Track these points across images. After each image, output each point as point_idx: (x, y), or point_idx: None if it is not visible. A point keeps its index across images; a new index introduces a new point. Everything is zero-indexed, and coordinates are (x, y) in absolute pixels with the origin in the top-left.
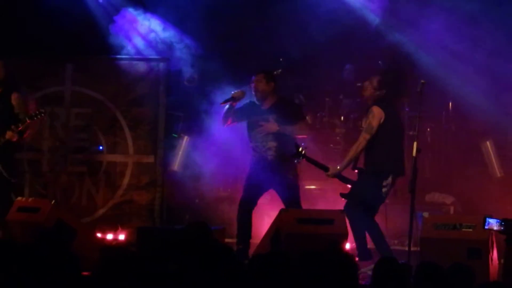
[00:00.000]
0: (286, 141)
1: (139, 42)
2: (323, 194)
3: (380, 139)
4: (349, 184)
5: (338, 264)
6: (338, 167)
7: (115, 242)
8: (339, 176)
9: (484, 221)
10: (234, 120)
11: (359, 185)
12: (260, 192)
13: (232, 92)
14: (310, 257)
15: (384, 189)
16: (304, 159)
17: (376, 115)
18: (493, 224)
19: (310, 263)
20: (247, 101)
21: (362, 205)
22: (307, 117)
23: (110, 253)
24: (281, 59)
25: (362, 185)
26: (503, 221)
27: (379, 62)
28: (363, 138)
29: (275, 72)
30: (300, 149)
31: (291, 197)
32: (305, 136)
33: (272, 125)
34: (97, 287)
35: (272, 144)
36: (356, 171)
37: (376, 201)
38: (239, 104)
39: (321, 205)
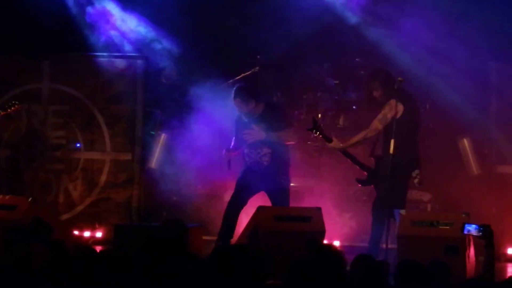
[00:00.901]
0: (280, 149)
1: (117, 39)
2: (301, 192)
3: (399, 134)
4: (351, 159)
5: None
6: (341, 144)
7: (92, 240)
8: (345, 153)
9: (463, 227)
10: (237, 148)
11: (387, 190)
12: (250, 194)
13: (223, 154)
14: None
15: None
16: (318, 133)
17: (393, 107)
18: (472, 230)
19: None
20: (235, 116)
21: (388, 208)
22: (292, 126)
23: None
24: (258, 56)
25: (391, 190)
26: (481, 227)
27: (357, 59)
28: (375, 126)
29: (252, 69)
30: (317, 124)
31: (282, 202)
32: (292, 143)
33: (259, 133)
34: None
35: (267, 150)
36: (372, 158)
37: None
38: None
39: (298, 203)
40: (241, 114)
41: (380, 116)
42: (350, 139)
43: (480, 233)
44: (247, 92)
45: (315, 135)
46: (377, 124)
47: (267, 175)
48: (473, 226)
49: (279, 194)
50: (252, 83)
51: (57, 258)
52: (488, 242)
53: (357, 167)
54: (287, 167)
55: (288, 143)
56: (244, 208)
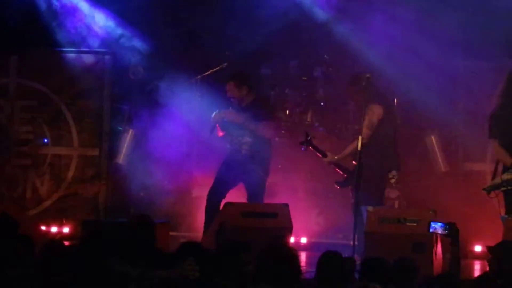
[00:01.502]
0: (261, 140)
1: (84, 35)
2: (269, 188)
3: (376, 134)
4: (345, 173)
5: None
6: (336, 157)
7: (59, 236)
8: (337, 164)
9: (429, 225)
10: (224, 129)
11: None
12: (229, 186)
13: (212, 117)
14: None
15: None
16: (309, 147)
17: (375, 112)
18: (438, 228)
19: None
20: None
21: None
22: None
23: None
24: (226, 53)
25: (369, 186)
26: (447, 225)
27: (325, 56)
28: (366, 135)
29: (221, 66)
30: (309, 137)
31: (256, 195)
32: (268, 136)
33: (237, 115)
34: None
35: (247, 139)
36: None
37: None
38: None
39: (265, 199)
40: (230, 104)
41: (366, 122)
42: (344, 151)
43: (446, 231)
44: (243, 77)
45: (307, 148)
46: (366, 131)
47: (246, 166)
48: (439, 224)
49: (256, 187)
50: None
51: (25, 253)
52: (454, 240)
53: (327, 164)
54: (267, 161)
55: (264, 135)
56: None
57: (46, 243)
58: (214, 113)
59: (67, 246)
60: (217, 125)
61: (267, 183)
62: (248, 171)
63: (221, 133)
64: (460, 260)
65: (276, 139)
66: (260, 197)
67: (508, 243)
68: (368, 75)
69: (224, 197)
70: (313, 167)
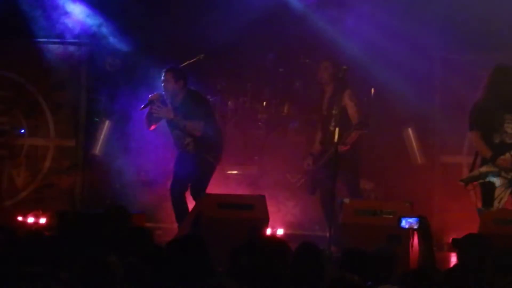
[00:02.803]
0: (202, 133)
1: (61, 25)
2: (245, 179)
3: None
4: None
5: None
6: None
7: (36, 227)
8: None
9: (399, 220)
10: (156, 122)
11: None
12: (187, 179)
13: (149, 96)
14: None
15: None
16: None
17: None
18: (408, 223)
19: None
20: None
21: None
22: (203, 119)
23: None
24: (204, 44)
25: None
26: (420, 218)
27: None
28: (357, 119)
29: (197, 57)
30: None
31: (201, 178)
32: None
33: (167, 111)
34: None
35: (189, 139)
36: None
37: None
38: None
39: (242, 190)
40: (164, 95)
41: (355, 108)
42: (347, 138)
43: (417, 225)
44: (180, 71)
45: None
46: (360, 116)
47: (195, 160)
48: (410, 218)
49: (202, 171)
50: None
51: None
52: (425, 234)
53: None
54: (216, 149)
55: (193, 134)
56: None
57: (25, 233)
58: (150, 97)
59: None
60: (150, 107)
61: (242, 176)
62: (199, 162)
63: (153, 127)
64: (433, 253)
65: (253, 130)
66: (205, 180)
67: (472, 236)
68: (345, 67)
69: (186, 189)
70: (289, 159)
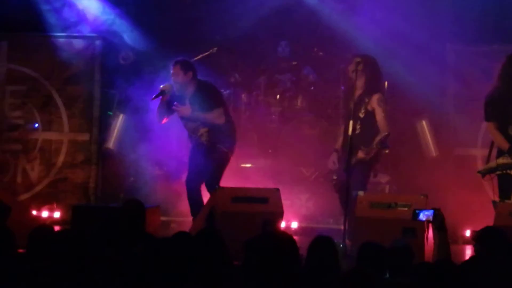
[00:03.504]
0: (216, 123)
1: (75, 19)
2: (259, 173)
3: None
4: None
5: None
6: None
7: (50, 221)
8: None
9: (413, 214)
10: (168, 115)
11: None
12: (203, 171)
13: (161, 86)
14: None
15: None
16: None
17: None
18: (423, 215)
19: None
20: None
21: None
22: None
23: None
24: (217, 37)
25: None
26: (435, 211)
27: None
28: (385, 126)
29: (210, 50)
30: None
31: (215, 168)
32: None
33: (185, 109)
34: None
35: (203, 130)
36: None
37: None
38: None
39: (256, 184)
40: (174, 86)
41: (383, 114)
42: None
43: (431, 218)
44: (187, 63)
45: None
46: (386, 123)
47: (211, 151)
48: (428, 211)
49: (217, 162)
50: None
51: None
52: (440, 226)
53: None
54: (229, 137)
55: (215, 123)
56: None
57: (35, 228)
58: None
59: (55, 231)
60: (161, 97)
61: (257, 169)
62: (213, 153)
63: (164, 120)
64: (448, 246)
65: (267, 124)
66: (220, 170)
67: (491, 229)
68: (358, 60)
69: (202, 182)
70: (303, 152)
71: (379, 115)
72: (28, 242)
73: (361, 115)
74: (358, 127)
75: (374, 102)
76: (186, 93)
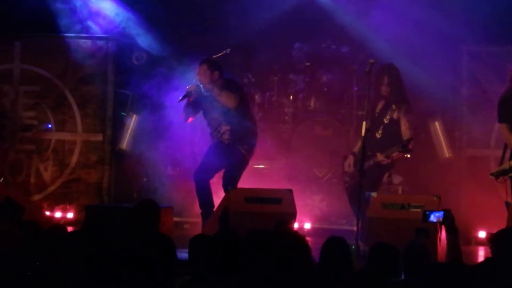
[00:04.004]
0: (239, 122)
1: (88, 20)
2: (272, 174)
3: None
4: None
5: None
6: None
7: (63, 221)
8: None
9: (424, 215)
10: (194, 114)
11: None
12: (215, 167)
13: (187, 87)
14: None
15: None
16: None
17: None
18: (440, 216)
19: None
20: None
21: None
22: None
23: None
24: (229, 41)
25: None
26: (445, 212)
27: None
28: (408, 135)
29: (224, 51)
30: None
31: (233, 170)
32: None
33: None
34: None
35: (226, 127)
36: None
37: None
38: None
39: (269, 184)
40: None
41: (408, 124)
42: (391, 154)
43: (441, 219)
44: (214, 62)
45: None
46: (410, 131)
47: (230, 150)
48: (438, 212)
49: (235, 163)
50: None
51: (33, 238)
52: (450, 228)
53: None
54: (249, 141)
55: (226, 103)
56: (214, 188)
57: (49, 228)
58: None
59: (69, 231)
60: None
61: (270, 170)
62: (231, 153)
63: (190, 119)
64: (459, 247)
65: (280, 124)
66: (238, 172)
67: (508, 231)
68: (372, 61)
69: (211, 177)
70: (316, 153)
71: (404, 125)
72: (44, 240)
73: (386, 121)
74: (380, 132)
75: (402, 111)
76: (213, 92)
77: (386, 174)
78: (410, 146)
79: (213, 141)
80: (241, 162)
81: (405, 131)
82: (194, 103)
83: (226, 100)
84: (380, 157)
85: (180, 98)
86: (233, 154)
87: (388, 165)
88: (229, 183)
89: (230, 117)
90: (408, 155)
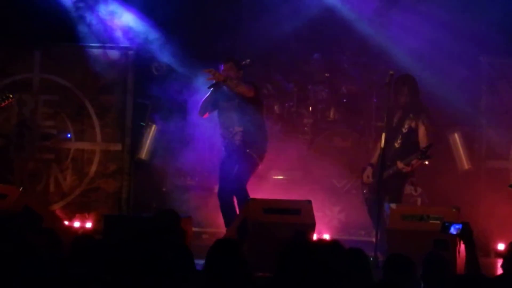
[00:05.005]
0: (252, 125)
1: (108, 30)
2: (291, 184)
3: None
4: None
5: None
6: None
7: (83, 230)
8: None
9: (442, 227)
10: (211, 110)
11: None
12: (233, 178)
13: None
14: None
15: None
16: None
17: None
18: (451, 229)
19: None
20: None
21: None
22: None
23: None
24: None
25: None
26: (463, 225)
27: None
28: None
29: (244, 62)
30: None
31: (241, 173)
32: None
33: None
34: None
35: (238, 129)
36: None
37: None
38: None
39: (288, 195)
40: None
41: (426, 132)
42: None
43: (459, 232)
44: (239, 62)
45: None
46: (427, 139)
47: (240, 154)
48: (457, 225)
49: (244, 166)
50: None
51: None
52: (468, 241)
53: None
54: (261, 146)
55: (243, 93)
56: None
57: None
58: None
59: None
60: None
61: (288, 181)
62: (242, 157)
63: (206, 115)
64: (477, 260)
65: (299, 135)
66: (246, 175)
67: None
68: (391, 72)
69: (233, 193)
70: (335, 164)
71: (422, 133)
72: (71, 249)
73: (404, 130)
74: (399, 141)
75: (420, 120)
76: (232, 85)
77: (409, 185)
78: (429, 153)
79: (224, 143)
80: (251, 166)
81: (422, 138)
82: (214, 99)
83: (245, 90)
84: (400, 165)
85: (209, 85)
86: (243, 158)
87: (408, 174)
88: (237, 186)
89: (245, 119)
90: (426, 162)
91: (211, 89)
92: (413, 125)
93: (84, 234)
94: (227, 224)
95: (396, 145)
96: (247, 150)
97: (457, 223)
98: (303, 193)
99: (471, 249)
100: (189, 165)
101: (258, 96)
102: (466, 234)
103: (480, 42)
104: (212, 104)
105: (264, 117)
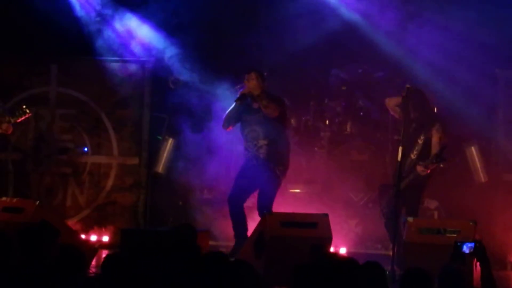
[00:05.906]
0: (276, 138)
1: (125, 43)
2: (307, 198)
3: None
4: None
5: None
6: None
7: (99, 244)
8: None
9: (459, 247)
10: (234, 123)
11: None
12: (249, 189)
13: (241, 90)
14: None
15: None
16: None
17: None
18: (472, 246)
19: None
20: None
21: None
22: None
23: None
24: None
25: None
26: (475, 243)
27: (365, 66)
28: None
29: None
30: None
31: (267, 193)
32: (273, 115)
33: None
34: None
35: (263, 142)
36: None
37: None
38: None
39: (305, 209)
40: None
41: (438, 140)
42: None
43: (472, 250)
44: (263, 74)
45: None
46: (439, 145)
47: (263, 169)
48: (469, 244)
49: (269, 186)
50: None
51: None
52: (482, 258)
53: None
54: (284, 162)
55: (270, 113)
56: (249, 213)
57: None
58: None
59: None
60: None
61: (305, 194)
62: (265, 174)
63: (230, 128)
64: (492, 277)
65: (316, 149)
66: (273, 194)
67: None
68: (408, 86)
69: (244, 201)
70: (352, 177)
71: (435, 140)
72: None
73: (420, 141)
74: (415, 152)
75: (433, 130)
76: (255, 103)
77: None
78: (444, 155)
79: (247, 156)
80: (277, 183)
81: (435, 144)
82: (238, 112)
83: (272, 111)
84: (419, 168)
85: (237, 98)
86: (268, 175)
87: (424, 185)
88: (265, 205)
89: (270, 133)
90: (442, 165)
91: (236, 102)
92: (428, 135)
93: (114, 253)
94: (234, 229)
95: (412, 156)
96: (272, 165)
97: (469, 241)
98: (320, 207)
99: (485, 265)
100: (206, 179)
101: (284, 112)
102: (479, 252)
103: (496, 55)
104: (235, 117)
105: (288, 130)
